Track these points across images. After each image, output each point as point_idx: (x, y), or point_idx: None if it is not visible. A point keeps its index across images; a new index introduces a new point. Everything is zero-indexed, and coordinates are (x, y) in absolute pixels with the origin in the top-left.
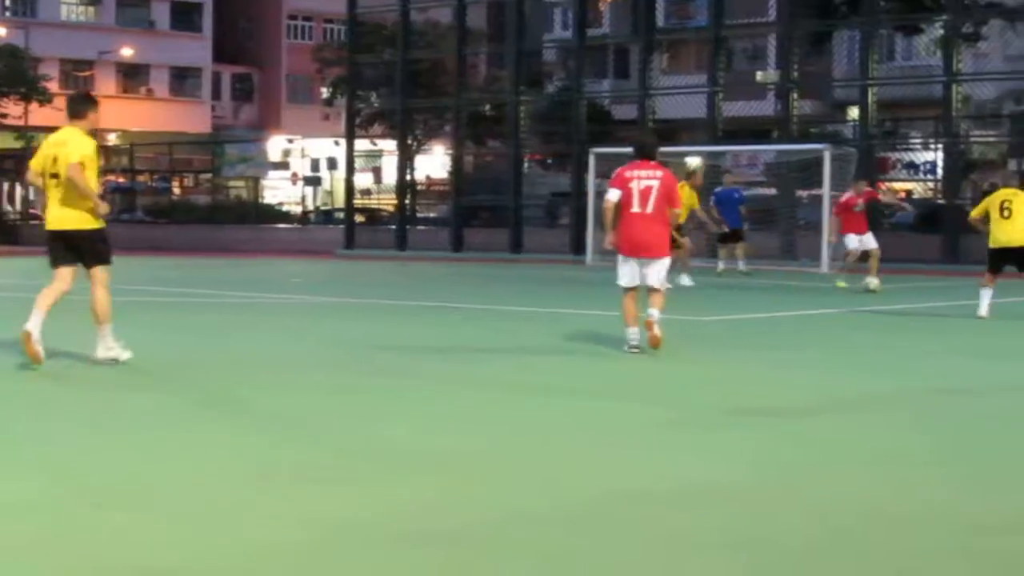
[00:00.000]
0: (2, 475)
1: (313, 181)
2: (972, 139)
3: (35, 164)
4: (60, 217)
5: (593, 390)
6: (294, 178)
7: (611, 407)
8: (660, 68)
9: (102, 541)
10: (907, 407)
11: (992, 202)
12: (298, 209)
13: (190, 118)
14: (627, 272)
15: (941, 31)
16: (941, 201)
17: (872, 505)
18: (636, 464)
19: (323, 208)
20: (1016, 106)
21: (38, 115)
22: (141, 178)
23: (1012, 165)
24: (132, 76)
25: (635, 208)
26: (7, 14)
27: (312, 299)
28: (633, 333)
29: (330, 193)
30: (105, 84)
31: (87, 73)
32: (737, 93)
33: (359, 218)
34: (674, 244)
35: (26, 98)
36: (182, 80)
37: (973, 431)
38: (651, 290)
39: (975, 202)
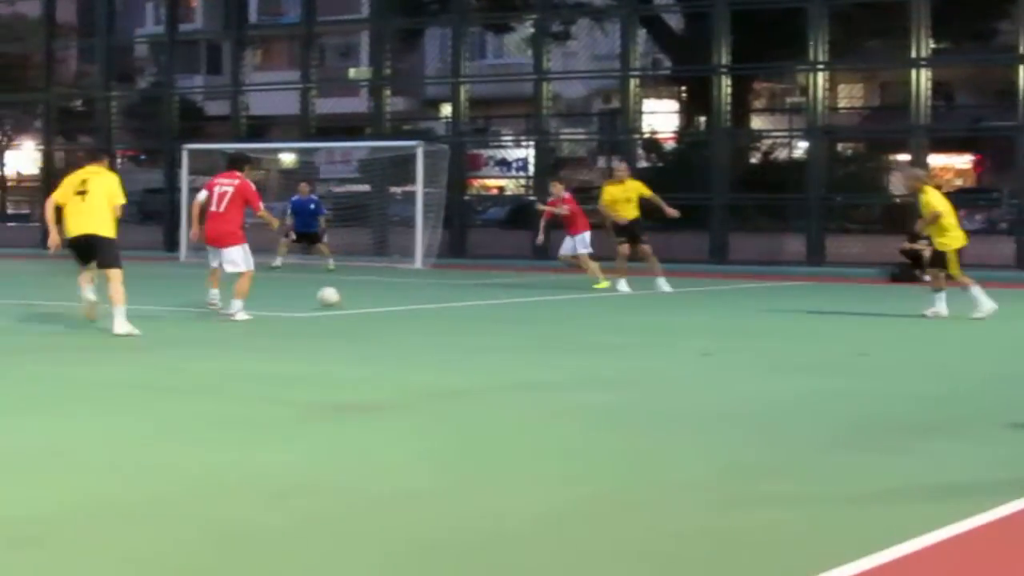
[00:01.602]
0: None
1: None
2: (562, 136)
3: None
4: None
5: (209, 388)
6: None
7: (229, 403)
8: (253, 64)
9: None
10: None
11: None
12: None
13: None
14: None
15: (531, 30)
16: (532, 197)
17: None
18: (265, 461)
19: None
20: (604, 104)
21: None
22: None
23: (600, 162)
24: None
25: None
26: None
27: None
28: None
29: None
30: None
31: None
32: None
33: None
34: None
35: None
36: None
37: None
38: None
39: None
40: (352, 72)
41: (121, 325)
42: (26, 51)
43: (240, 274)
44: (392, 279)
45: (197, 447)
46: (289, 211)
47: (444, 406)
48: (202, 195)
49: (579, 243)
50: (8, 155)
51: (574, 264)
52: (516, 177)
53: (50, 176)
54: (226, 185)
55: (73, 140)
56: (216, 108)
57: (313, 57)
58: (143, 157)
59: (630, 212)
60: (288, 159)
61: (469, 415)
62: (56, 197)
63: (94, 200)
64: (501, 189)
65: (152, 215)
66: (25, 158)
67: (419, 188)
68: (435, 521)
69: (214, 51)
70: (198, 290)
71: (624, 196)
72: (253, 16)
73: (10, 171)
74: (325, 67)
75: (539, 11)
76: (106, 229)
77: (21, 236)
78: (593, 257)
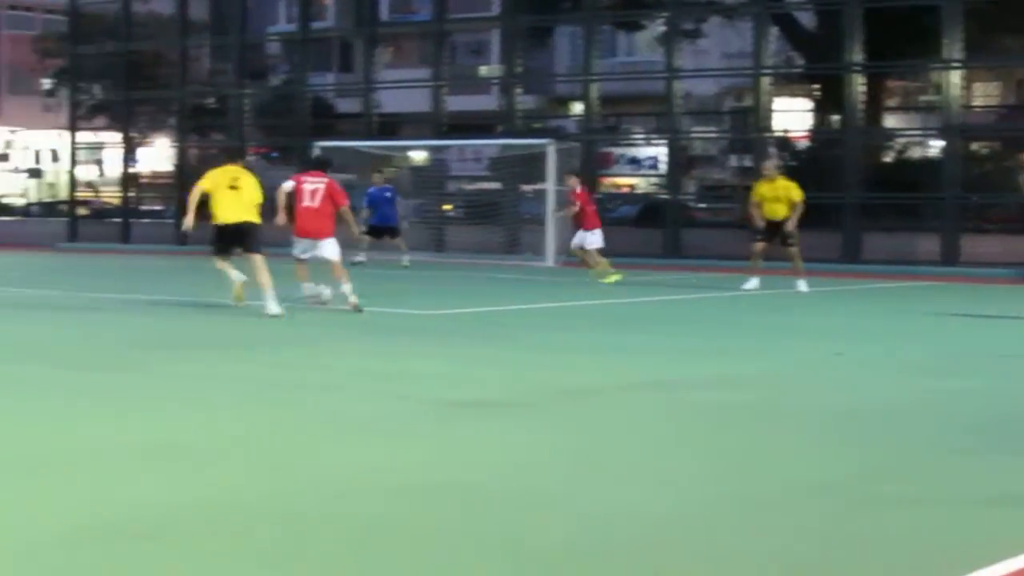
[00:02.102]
0: None
1: (35, 173)
2: (693, 135)
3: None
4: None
5: (338, 384)
6: (16, 170)
7: (355, 400)
8: (384, 62)
9: None
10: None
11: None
12: (20, 201)
13: None
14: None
15: (662, 27)
16: (664, 196)
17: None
18: (387, 458)
19: (45, 200)
20: (735, 102)
21: None
22: None
23: (732, 161)
24: None
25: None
26: None
27: (39, 292)
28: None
29: (52, 185)
30: None
31: None
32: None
33: (82, 211)
34: None
35: None
36: None
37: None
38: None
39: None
40: (483, 70)
41: (272, 307)
42: (160, 49)
43: (334, 262)
44: (523, 277)
45: (326, 444)
46: (365, 203)
47: (574, 404)
48: (288, 185)
49: (590, 237)
50: (142, 152)
51: (583, 259)
52: (647, 175)
53: (183, 173)
54: (316, 182)
55: (206, 137)
56: (347, 106)
57: (444, 55)
58: (274, 154)
59: (779, 211)
60: (419, 157)
61: (599, 414)
62: (204, 186)
63: (246, 194)
64: (632, 187)
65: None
66: (158, 155)
67: (550, 186)
68: (562, 520)
69: (346, 49)
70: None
71: (773, 195)
72: (384, 14)
73: (144, 168)
74: (456, 64)
75: (670, 9)
76: (255, 218)
77: (155, 232)
78: (603, 253)
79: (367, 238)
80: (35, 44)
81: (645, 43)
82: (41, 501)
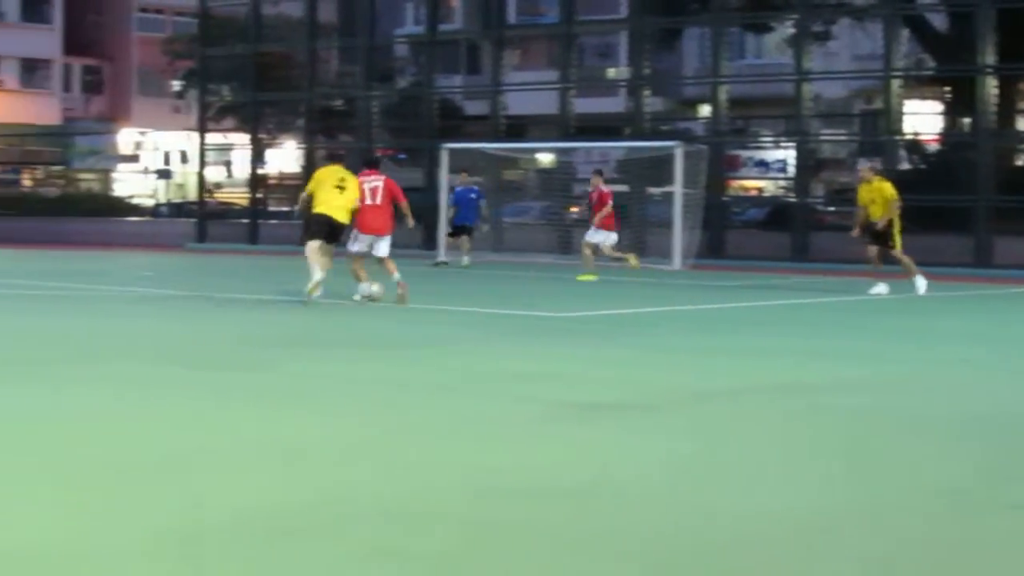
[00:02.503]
0: None
1: (164, 174)
2: (822, 137)
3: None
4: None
5: (462, 385)
6: (145, 171)
7: (479, 401)
8: (511, 64)
9: None
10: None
11: None
12: (149, 202)
13: (40, 110)
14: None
15: (791, 29)
16: (792, 199)
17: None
18: (511, 460)
19: (174, 201)
20: (865, 105)
21: None
22: None
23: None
24: None
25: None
26: None
27: (167, 292)
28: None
29: (181, 186)
30: None
31: None
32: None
33: (210, 211)
34: None
35: None
36: (32, 72)
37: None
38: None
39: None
40: (610, 72)
41: (365, 291)
42: (289, 51)
43: (386, 258)
44: (650, 280)
45: (455, 445)
46: (451, 203)
47: (704, 407)
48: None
49: (600, 235)
50: (270, 153)
51: (617, 257)
52: (775, 178)
53: (311, 174)
54: (375, 181)
55: (333, 139)
56: (474, 108)
57: (572, 57)
58: (402, 156)
59: (877, 212)
60: (546, 159)
61: (729, 416)
62: (309, 187)
63: (350, 195)
64: (760, 190)
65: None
66: (286, 156)
67: (678, 189)
68: (693, 521)
69: (473, 51)
70: (454, 287)
71: (870, 197)
72: (512, 16)
73: (272, 169)
74: (583, 67)
75: (800, 11)
76: (348, 219)
77: (282, 233)
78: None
79: (454, 239)
80: (165, 46)
81: (774, 45)
82: (171, 499)
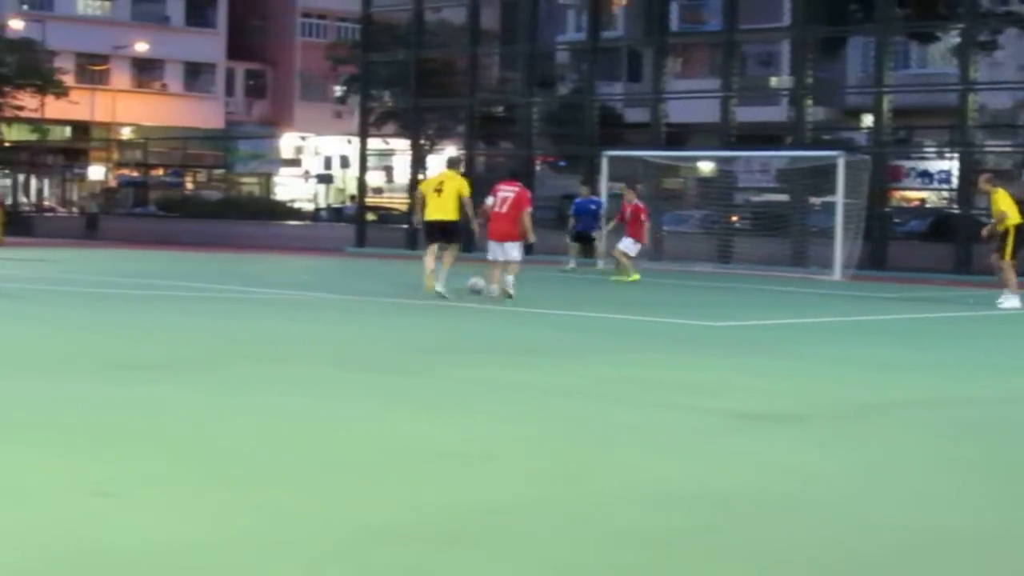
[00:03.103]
0: None
1: (325, 179)
2: (987, 148)
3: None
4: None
5: (610, 393)
6: (306, 175)
7: (637, 409)
8: (673, 72)
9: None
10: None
11: None
12: (309, 206)
13: (203, 114)
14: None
15: (957, 39)
16: (955, 211)
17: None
18: (674, 468)
19: (334, 206)
20: None
21: (53, 108)
22: (155, 172)
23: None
24: (146, 71)
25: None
26: (24, 7)
27: (327, 296)
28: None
29: (342, 191)
30: (119, 78)
31: (102, 67)
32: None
33: (370, 216)
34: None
35: (42, 91)
36: (195, 76)
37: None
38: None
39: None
40: (772, 80)
41: (441, 285)
42: (450, 57)
43: (514, 263)
44: (810, 290)
45: (607, 451)
46: (572, 212)
47: (858, 418)
48: (490, 200)
49: (629, 243)
50: (430, 159)
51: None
52: (938, 189)
53: (472, 181)
54: (508, 191)
55: (494, 146)
56: (635, 115)
57: (733, 65)
58: (562, 163)
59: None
60: (706, 167)
61: (882, 428)
62: (422, 188)
63: (445, 196)
64: (922, 201)
65: (567, 220)
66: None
67: (839, 199)
68: (848, 533)
69: (634, 58)
70: (590, 293)
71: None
72: (674, 24)
73: (432, 175)
74: (745, 75)
75: (966, 20)
76: (453, 217)
77: None
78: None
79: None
80: (327, 51)
81: (938, 54)
82: (332, 504)
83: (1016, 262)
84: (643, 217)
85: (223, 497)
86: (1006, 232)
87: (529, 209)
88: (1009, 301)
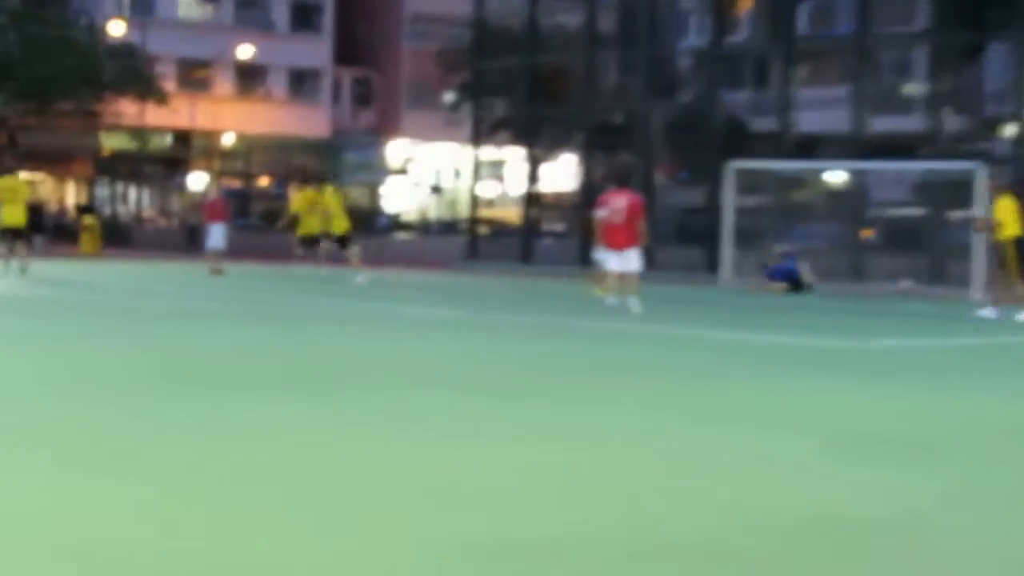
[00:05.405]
0: None
1: (435, 189)
2: None
3: None
4: None
5: (744, 418)
6: (414, 186)
7: (762, 433)
8: (801, 78)
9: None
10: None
11: None
12: (418, 218)
13: (308, 121)
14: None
15: None
16: None
17: None
18: (802, 494)
19: (445, 218)
20: None
21: (154, 116)
22: (258, 183)
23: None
24: (249, 77)
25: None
26: (125, 12)
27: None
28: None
29: (452, 203)
30: (222, 85)
31: (204, 74)
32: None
33: (481, 229)
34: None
35: (142, 98)
36: (300, 82)
37: None
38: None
39: None
40: (907, 88)
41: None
42: (565, 63)
43: (631, 274)
44: (946, 310)
45: (732, 477)
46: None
47: (983, 445)
48: (601, 213)
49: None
50: (544, 169)
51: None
52: None
53: (588, 192)
54: (622, 200)
55: (612, 155)
56: (762, 124)
57: (866, 72)
58: (684, 175)
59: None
60: (837, 179)
61: (1006, 456)
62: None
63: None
64: None
65: (692, 235)
66: (562, 173)
67: (979, 213)
68: (983, 563)
69: (760, 64)
70: (745, 314)
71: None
72: (802, 28)
73: (546, 186)
74: (878, 82)
75: None
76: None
77: (557, 254)
78: None
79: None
80: (437, 57)
81: None
82: (466, 525)
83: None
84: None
85: (364, 521)
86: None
87: (642, 221)
88: (991, 312)
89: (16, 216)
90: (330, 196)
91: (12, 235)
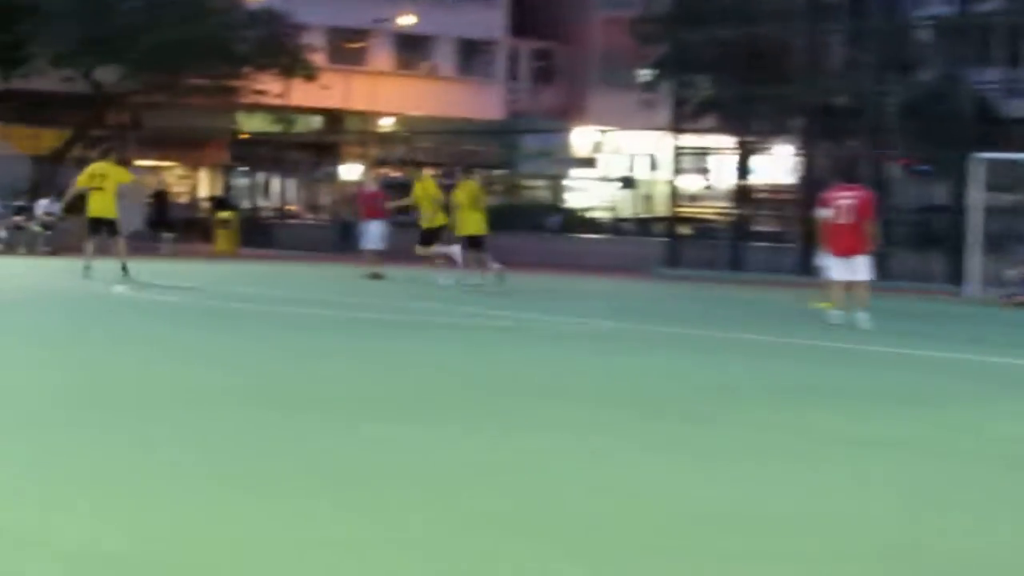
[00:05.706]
0: None
1: (628, 183)
2: None
3: None
4: None
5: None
6: (605, 179)
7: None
8: None
9: None
10: None
11: None
12: (609, 216)
13: (479, 102)
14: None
15: None
16: None
17: None
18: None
19: (640, 216)
20: None
21: (301, 94)
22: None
23: None
24: (412, 50)
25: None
26: None
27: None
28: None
29: (649, 198)
30: (380, 59)
31: (359, 45)
32: None
33: (684, 230)
34: None
35: (287, 74)
36: (471, 56)
37: None
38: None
39: None
40: None
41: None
42: (784, 36)
43: (862, 284)
44: None
45: (911, 515)
46: None
47: None
48: (824, 212)
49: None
50: (758, 160)
51: None
52: None
53: (809, 187)
54: (849, 197)
55: (837, 144)
56: (1017, 109)
57: None
58: (924, 168)
59: None
60: None
61: None
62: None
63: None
64: None
65: (932, 239)
66: (779, 164)
67: None
68: None
69: (1015, 37)
70: (996, 333)
71: None
72: None
73: (761, 180)
74: None
75: None
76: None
77: (773, 259)
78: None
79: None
80: (632, 27)
81: None
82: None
83: None
84: None
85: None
86: None
87: (873, 220)
88: None
89: (104, 205)
90: (427, 186)
91: (101, 227)
